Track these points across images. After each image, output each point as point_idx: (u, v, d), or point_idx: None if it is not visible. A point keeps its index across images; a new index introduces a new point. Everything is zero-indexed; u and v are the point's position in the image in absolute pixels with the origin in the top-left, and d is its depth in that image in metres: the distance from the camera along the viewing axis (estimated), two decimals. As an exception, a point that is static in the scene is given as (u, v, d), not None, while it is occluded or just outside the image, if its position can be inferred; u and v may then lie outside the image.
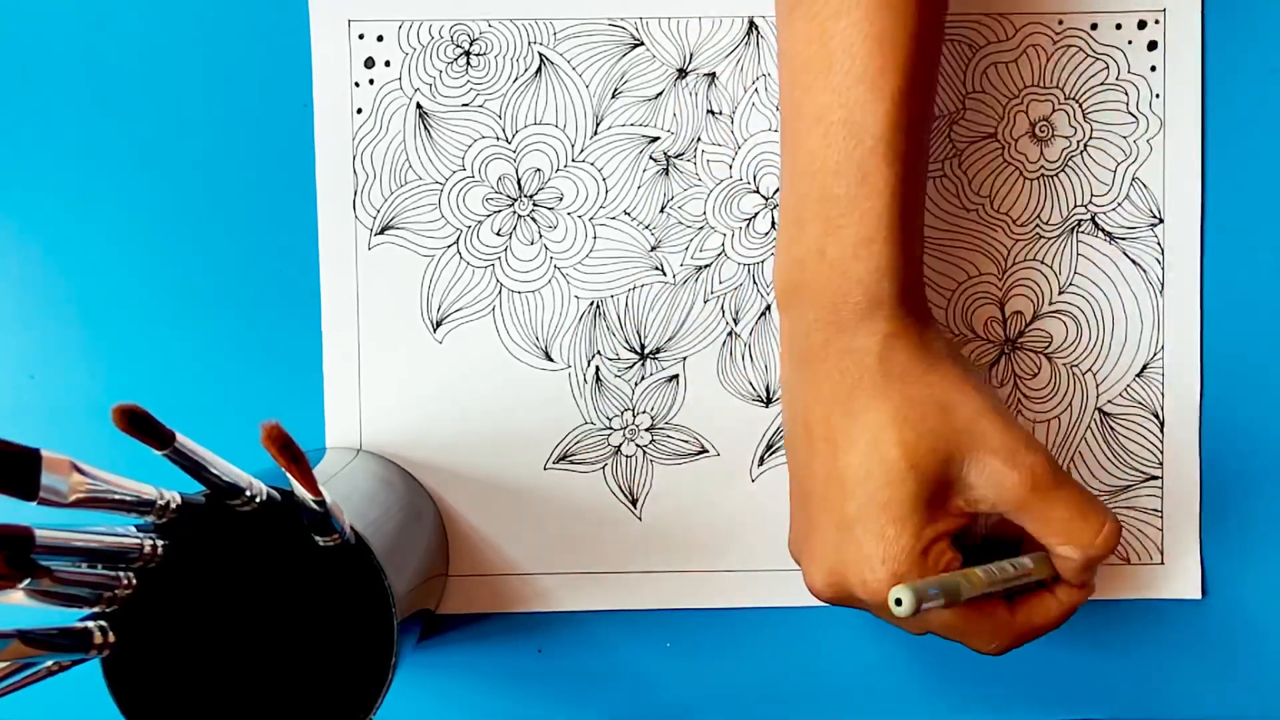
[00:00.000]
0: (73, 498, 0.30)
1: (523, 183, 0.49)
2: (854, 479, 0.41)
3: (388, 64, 0.49)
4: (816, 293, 0.41)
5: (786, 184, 0.43)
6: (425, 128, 0.49)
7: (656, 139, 0.49)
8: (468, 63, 0.49)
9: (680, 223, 0.49)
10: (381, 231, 0.49)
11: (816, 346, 0.42)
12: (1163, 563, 0.50)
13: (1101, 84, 0.49)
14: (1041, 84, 0.49)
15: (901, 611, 0.36)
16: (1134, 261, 0.50)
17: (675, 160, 0.49)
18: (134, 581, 0.36)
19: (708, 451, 0.50)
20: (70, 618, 0.35)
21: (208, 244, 0.49)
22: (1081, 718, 0.50)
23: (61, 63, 0.49)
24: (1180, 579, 0.50)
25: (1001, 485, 0.41)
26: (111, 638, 0.35)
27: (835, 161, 0.40)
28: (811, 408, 0.42)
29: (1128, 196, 0.49)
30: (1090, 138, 0.49)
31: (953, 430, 0.41)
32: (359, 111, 0.49)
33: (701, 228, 0.49)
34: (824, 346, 0.42)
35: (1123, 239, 0.49)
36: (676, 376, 0.50)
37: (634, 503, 0.50)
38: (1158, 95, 0.49)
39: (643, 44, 0.49)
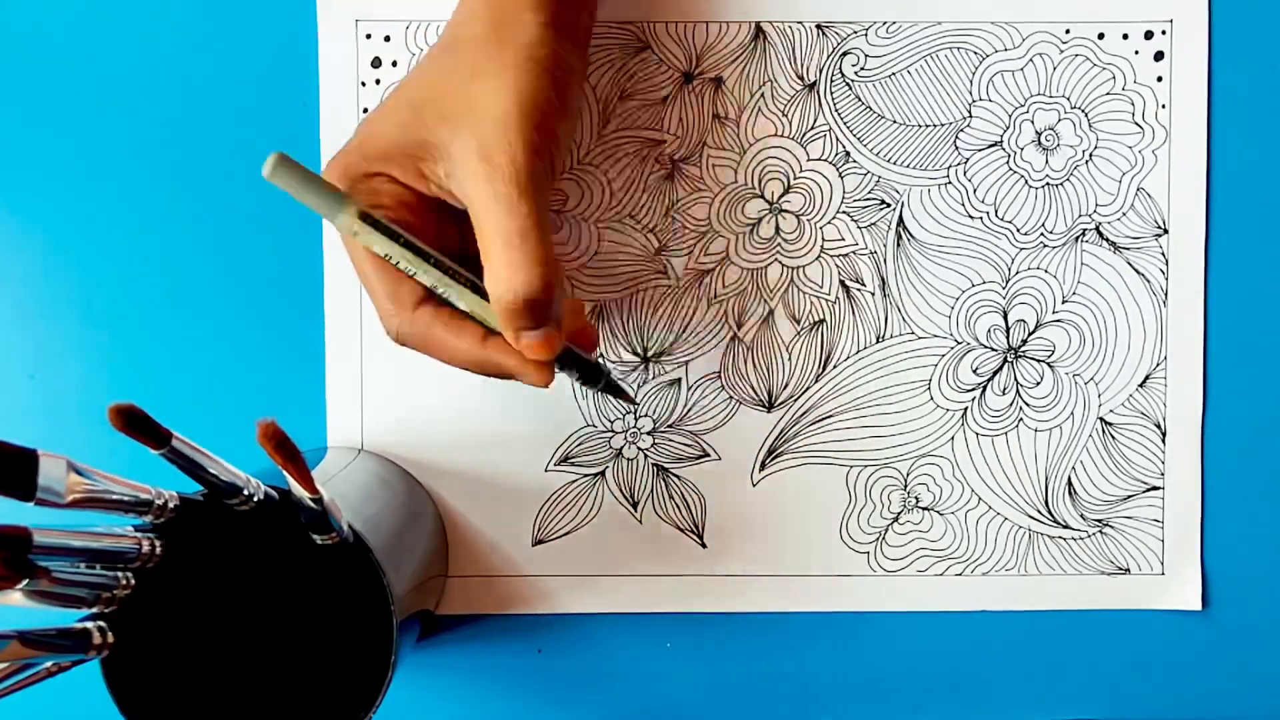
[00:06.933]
0: (70, 498, 0.30)
1: (527, 185, 0.49)
2: (410, 83, 0.41)
3: (394, 64, 0.49)
4: None
5: None
6: (431, 129, 0.49)
7: (662, 143, 0.49)
8: (474, 64, 0.49)
9: (685, 227, 0.49)
10: (386, 232, 0.49)
11: (477, 31, 0.41)
12: (1163, 573, 0.50)
13: (1108, 94, 0.49)
14: (1048, 93, 0.49)
15: (265, 169, 0.35)
16: (1138, 272, 0.49)
17: (681, 164, 0.49)
18: (132, 581, 0.36)
19: (709, 455, 0.50)
20: (69, 618, 0.35)
21: (210, 243, 0.49)
22: (1081, 718, 0.50)
23: (64, 61, 0.49)
24: (1181, 590, 0.50)
25: (467, 167, 0.38)
26: (111, 638, 0.35)
27: None
28: (436, 80, 0.41)
29: (1132, 207, 0.49)
30: (1096, 147, 0.49)
31: (482, 93, 0.39)
32: (365, 111, 0.49)
33: (706, 232, 0.49)
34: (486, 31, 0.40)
35: (1127, 249, 0.49)
36: (679, 380, 0.50)
37: (634, 506, 0.50)
38: (1164, 106, 0.49)
39: (650, 47, 0.49)
